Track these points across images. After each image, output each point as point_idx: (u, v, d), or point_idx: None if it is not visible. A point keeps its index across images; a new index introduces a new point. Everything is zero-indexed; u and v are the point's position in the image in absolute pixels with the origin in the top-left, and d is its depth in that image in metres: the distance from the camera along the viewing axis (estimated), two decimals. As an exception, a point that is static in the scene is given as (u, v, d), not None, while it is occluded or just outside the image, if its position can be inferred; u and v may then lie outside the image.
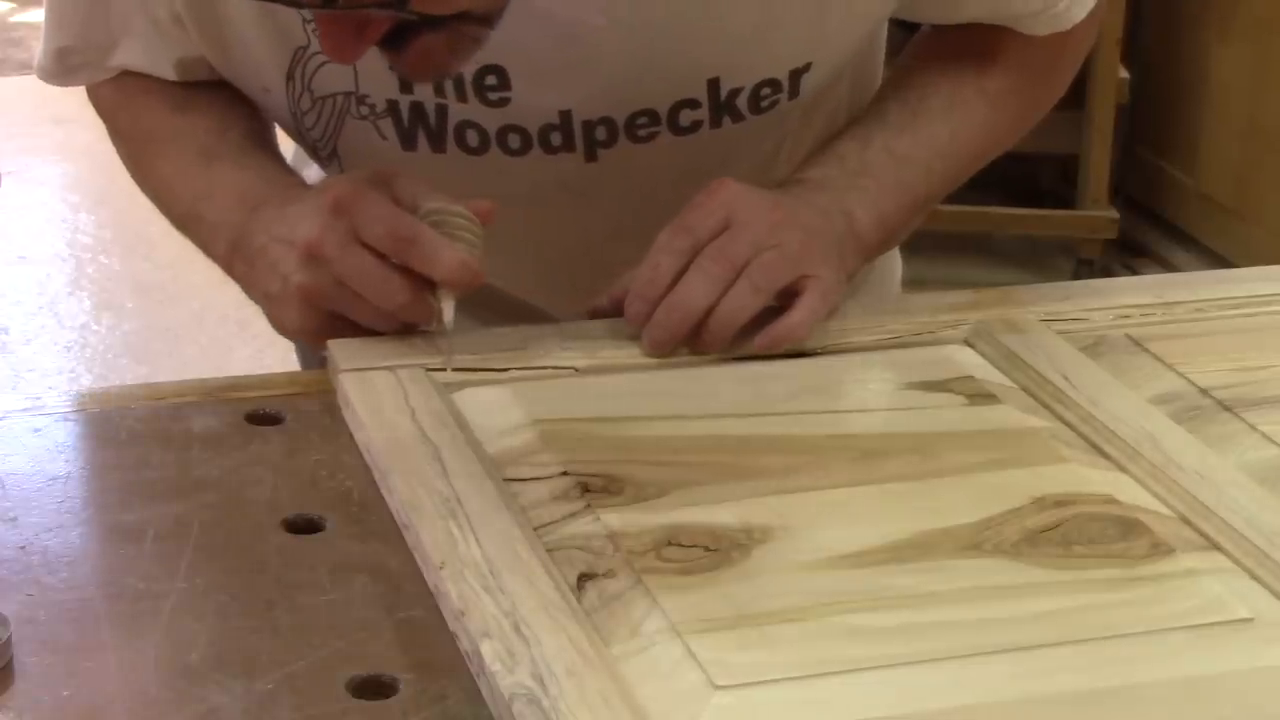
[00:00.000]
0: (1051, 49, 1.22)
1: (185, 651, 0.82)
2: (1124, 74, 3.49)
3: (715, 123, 1.15)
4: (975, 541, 0.91)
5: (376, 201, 1.06)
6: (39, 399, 1.05)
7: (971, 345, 1.12)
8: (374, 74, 1.11)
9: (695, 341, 1.08)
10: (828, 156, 1.18)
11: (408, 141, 1.16)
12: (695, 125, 1.15)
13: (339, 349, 1.06)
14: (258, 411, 1.04)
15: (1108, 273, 3.50)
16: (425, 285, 1.05)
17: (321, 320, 1.08)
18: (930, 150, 1.20)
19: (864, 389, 1.07)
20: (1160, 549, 0.90)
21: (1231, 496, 0.94)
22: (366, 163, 1.15)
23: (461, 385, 1.05)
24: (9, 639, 0.81)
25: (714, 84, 1.14)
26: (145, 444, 1.00)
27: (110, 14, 1.19)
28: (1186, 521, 0.93)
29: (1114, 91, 3.47)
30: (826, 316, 1.11)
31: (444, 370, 1.05)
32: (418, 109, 1.15)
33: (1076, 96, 3.61)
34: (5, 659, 0.81)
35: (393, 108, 1.15)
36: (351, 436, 1.01)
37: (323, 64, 1.14)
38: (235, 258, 1.13)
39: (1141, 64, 3.64)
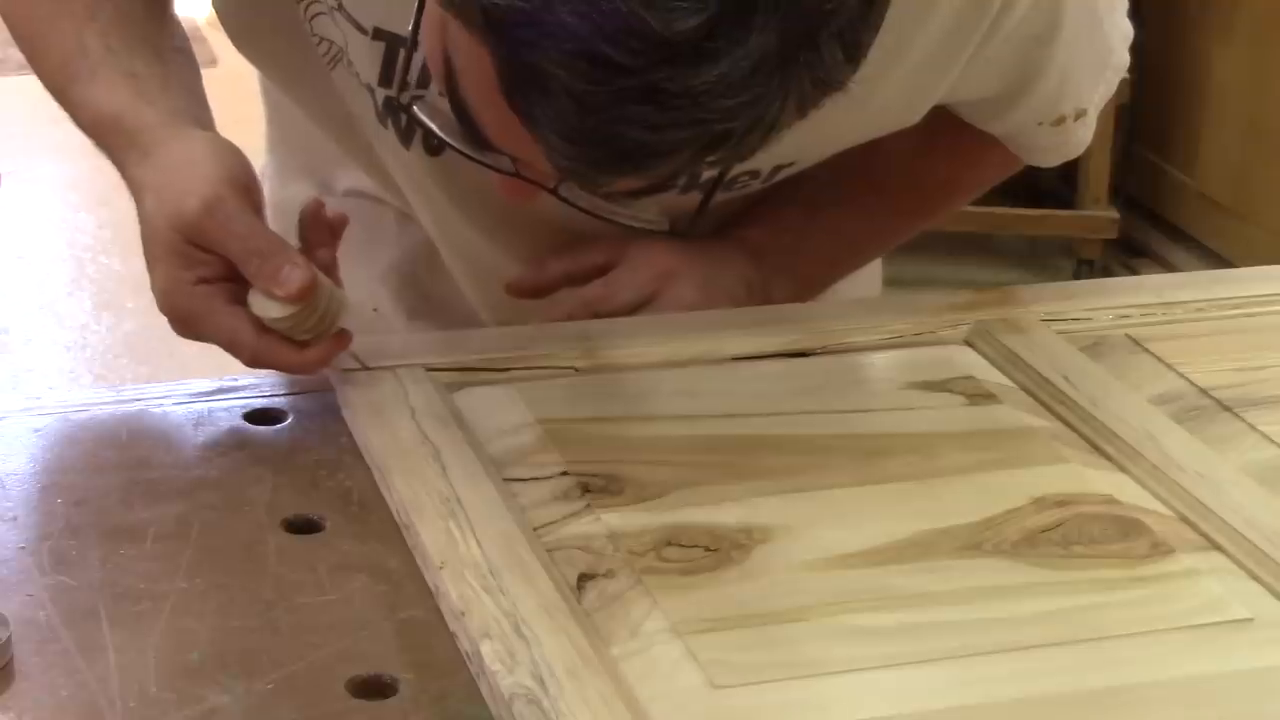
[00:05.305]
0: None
1: (185, 651, 0.82)
2: (1124, 74, 3.49)
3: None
4: (975, 541, 0.91)
5: (213, 315, 1.01)
6: (39, 399, 1.05)
7: (971, 345, 1.12)
8: (358, 55, 1.08)
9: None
10: (773, 220, 1.20)
11: (384, 125, 1.14)
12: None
13: (339, 349, 1.06)
14: (258, 411, 1.04)
15: (1108, 273, 3.49)
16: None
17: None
18: (874, 226, 1.23)
19: (864, 389, 1.06)
20: (1160, 549, 0.90)
21: (1231, 496, 0.94)
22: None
23: (462, 385, 1.05)
24: (9, 639, 0.81)
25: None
26: (145, 444, 1.00)
27: None
28: (1186, 521, 0.93)
29: (1114, 91, 3.46)
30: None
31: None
32: (390, 103, 1.12)
33: (1076, 97, 3.60)
34: (5, 659, 0.81)
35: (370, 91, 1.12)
36: (351, 436, 1.01)
37: (318, 13, 1.10)
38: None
39: (1141, 64, 3.63)
